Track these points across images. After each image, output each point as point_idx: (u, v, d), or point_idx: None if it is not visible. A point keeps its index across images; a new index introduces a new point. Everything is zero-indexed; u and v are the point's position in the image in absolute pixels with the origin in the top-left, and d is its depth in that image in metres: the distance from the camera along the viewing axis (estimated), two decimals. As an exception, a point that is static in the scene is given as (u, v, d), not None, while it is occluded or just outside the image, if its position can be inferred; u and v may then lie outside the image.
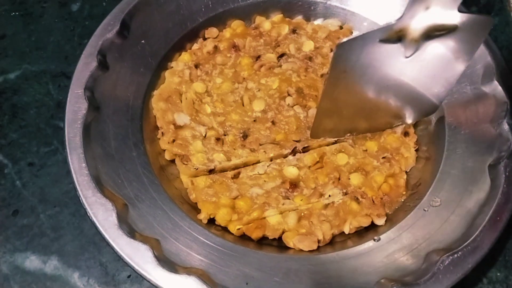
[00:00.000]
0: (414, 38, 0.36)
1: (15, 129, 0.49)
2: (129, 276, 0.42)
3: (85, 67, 0.44)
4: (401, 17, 0.34)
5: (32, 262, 0.43)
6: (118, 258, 0.41)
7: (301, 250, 0.40)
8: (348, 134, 0.45)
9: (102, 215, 0.37)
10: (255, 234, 0.41)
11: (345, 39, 0.34)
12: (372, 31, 0.35)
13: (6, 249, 0.43)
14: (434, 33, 0.36)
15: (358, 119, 0.43)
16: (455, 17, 0.35)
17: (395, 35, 0.36)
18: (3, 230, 0.44)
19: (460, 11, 0.35)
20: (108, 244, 0.36)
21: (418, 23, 0.35)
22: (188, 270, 0.36)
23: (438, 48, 0.37)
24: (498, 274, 0.36)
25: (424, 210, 0.41)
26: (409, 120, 0.45)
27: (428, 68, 0.39)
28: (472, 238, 0.37)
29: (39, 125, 0.50)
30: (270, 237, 0.41)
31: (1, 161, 0.48)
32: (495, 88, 0.44)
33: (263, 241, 0.42)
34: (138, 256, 0.35)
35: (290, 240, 0.41)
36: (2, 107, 0.51)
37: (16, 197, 0.46)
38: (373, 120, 0.44)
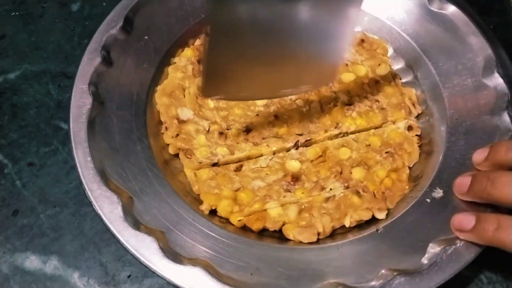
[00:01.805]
0: None
1: (15, 129, 0.49)
2: (129, 276, 0.42)
3: (89, 62, 0.44)
4: None
5: (32, 262, 0.43)
6: (118, 258, 0.42)
7: (301, 242, 0.40)
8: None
9: (108, 208, 0.38)
10: (256, 226, 0.41)
11: None
12: None
13: (6, 249, 0.43)
14: None
15: (255, 79, 0.41)
16: None
17: None
18: (3, 230, 0.44)
19: None
20: (113, 236, 0.37)
21: None
22: (194, 261, 0.36)
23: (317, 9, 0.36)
24: (498, 274, 0.36)
25: (426, 201, 0.41)
26: (312, 87, 0.45)
27: (313, 28, 0.37)
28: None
29: (39, 125, 0.50)
30: (271, 229, 0.42)
31: (1, 161, 0.48)
32: (496, 80, 0.44)
33: (264, 233, 0.42)
34: (144, 248, 0.36)
35: (290, 232, 0.41)
36: (2, 107, 0.51)
37: (16, 197, 0.46)
38: (275, 82, 0.42)
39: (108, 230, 0.37)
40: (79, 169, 0.39)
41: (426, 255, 0.37)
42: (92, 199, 0.38)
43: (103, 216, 0.37)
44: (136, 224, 0.37)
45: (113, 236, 0.37)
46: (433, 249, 0.37)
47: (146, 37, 0.48)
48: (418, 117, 0.48)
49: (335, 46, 0.40)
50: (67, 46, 0.55)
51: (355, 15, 0.37)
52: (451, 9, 0.48)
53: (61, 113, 0.50)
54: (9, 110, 0.50)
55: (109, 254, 0.43)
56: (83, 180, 0.39)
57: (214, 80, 0.39)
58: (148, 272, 0.41)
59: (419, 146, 0.46)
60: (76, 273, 0.42)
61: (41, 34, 0.56)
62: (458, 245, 0.37)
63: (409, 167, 0.45)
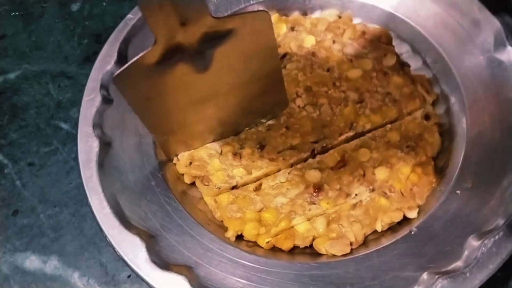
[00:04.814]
0: (195, 51, 0.35)
1: (15, 129, 0.50)
2: (129, 276, 0.42)
3: (89, 103, 0.43)
4: (155, 40, 0.32)
5: (32, 262, 0.43)
6: (118, 258, 0.41)
7: (335, 255, 0.39)
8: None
9: (132, 252, 0.37)
10: (286, 245, 0.40)
11: (117, 72, 0.33)
12: (137, 58, 0.33)
13: (6, 249, 0.44)
14: (213, 41, 0.35)
15: (202, 129, 0.43)
16: (223, 22, 0.34)
17: (168, 55, 0.34)
18: (3, 230, 0.45)
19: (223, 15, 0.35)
20: (142, 280, 0.36)
21: (187, 38, 0.33)
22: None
23: (231, 51, 0.36)
24: (499, 274, 0.35)
25: (456, 193, 0.39)
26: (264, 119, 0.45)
27: (236, 71, 0.38)
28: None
29: (39, 125, 0.50)
30: (301, 246, 0.40)
31: (1, 161, 0.48)
32: (510, 53, 0.42)
33: (294, 251, 0.41)
34: (175, 289, 0.35)
35: (322, 247, 0.39)
36: (2, 107, 0.51)
37: (16, 197, 0.46)
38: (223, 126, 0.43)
39: (136, 274, 0.36)
40: (97, 216, 0.38)
41: (466, 252, 0.36)
42: (114, 245, 0.37)
43: (129, 262, 0.36)
44: (164, 264, 0.36)
45: (142, 280, 0.36)
46: (472, 244, 0.36)
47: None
48: (433, 103, 0.46)
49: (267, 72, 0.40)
50: (67, 46, 0.55)
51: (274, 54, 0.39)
52: (450, -15, 0.46)
53: (61, 113, 0.51)
54: (9, 110, 0.51)
55: (109, 254, 0.43)
56: (102, 227, 0.38)
57: (169, 143, 0.42)
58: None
59: (440, 134, 0.44)
60: (76, 273, 0.42)
61: (41, 34, 0.56)
62: (496, 237, 0.35)
63: (433, 159, 0.43)
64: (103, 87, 0.44)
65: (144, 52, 0.33)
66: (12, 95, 0.52)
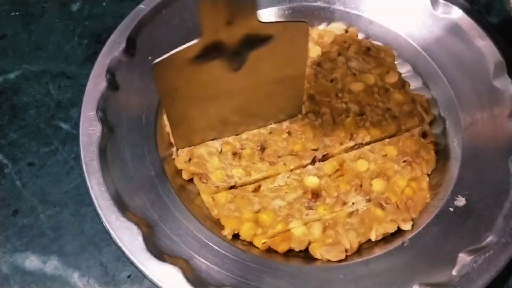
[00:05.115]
0: (233, 51, 0.36)
1: (15, 129, 0.49)
2: (129, 276, 0.42)
3: (95, 87, 0.43)
4: (201, 35, 0.34)
5: (32, 262, 0.42)
6: (118, 258, 0.42)
7: (329, 261, 0.40)
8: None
9: (128, 239, 0.36)
10: (281, 247, 0.40)
11: (157, 59, 0.34)
12: (180, 50, 0.34)
13: (6, 249, 0.43)
14: (252, 43, 0.36)
15: (216, 124, 0.43)
16: (266, 26, 0.35)
17: (207, 51, 0.35)
18: (3, 230, 0.44)
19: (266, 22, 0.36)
20: (137, 268, 0.36)
21: (229, 37, 0.35)
22: (221, 290, 0.35)
23: (266, 55, 0.37)
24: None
25: (449, 210, 0.40)
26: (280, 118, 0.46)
27: (264, 75, 0.40)
28: (504, 233, 0.37)
29: (39, 125, 0.49)
30: (296, 249, 0.41)
31: (1, 161, 0.47)
32: (508, 83, 0.44)
33: (289, 253, 0.41)
34: (170, 280, 0.35)
35: (317, 251, 0.40)
36: (2, 107, 0.51)
37: (16, 197, 0.45)
38: (237, 124, 0.44)
39: (130, 262, 0.36)
40: (95, 201, 0.38)
41: (456, 267, 0.37)
42: (111, 231, 0.37)
43: (124, 248, 0.36)
44: (159, 254, 0.36)
45: (136, 268, 0.36)
46: (463, 259, 0.37)
47: (150, 57, 0.46)
48: (431, 123, 0.47)
49: (291, 77, 0.41)
50: (67, 46, 0.55)
51: (302, 66, 0.40)
52: (456, 12, 0.48)
53: (61, 113, 0.50)
54: (9, 110, 0.50)
55: (109, 254, 0.43)
56: (99, 212, 0.37)
57: (182, 134, 0.42)
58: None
59: (435, 153, 0.45)
60: (76, 273, 0.42)
61: (41, 34, 0.56)
62: (487, 254, 0.36)
63: (428, 175, 0.44)
64: (110, 72, 0.44)
65: (186, 44, 0.33)
66: (12, 95, 0.51)
